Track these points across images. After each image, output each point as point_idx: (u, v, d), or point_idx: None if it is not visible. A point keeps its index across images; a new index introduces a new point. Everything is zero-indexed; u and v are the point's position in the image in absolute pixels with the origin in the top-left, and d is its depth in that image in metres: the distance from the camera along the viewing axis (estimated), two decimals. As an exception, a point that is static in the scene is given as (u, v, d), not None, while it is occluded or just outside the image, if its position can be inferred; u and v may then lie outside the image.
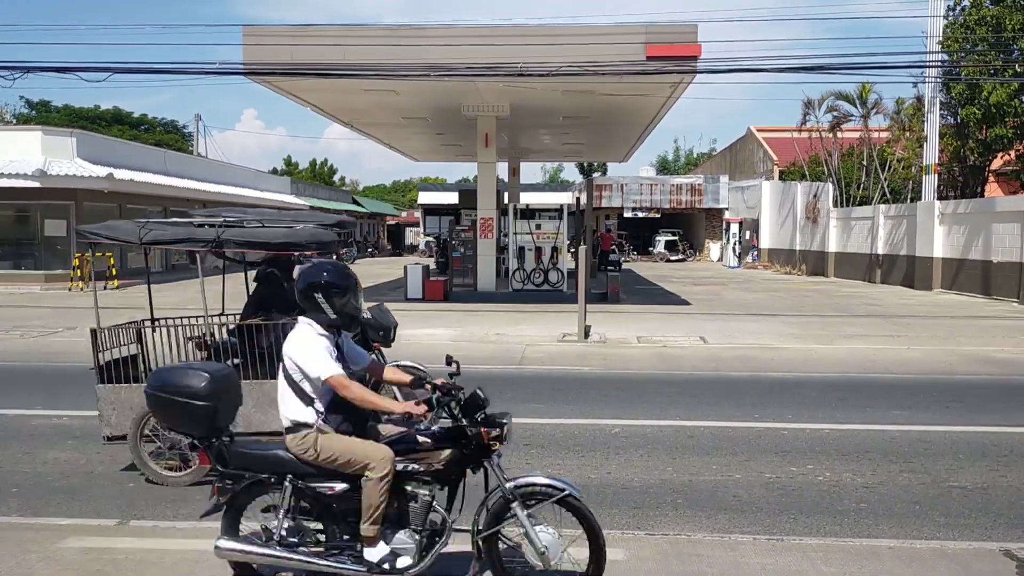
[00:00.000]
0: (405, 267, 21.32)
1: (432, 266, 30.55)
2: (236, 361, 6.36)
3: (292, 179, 53.80)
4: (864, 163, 33.43)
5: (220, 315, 7.27)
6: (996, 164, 28.68)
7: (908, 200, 29.39)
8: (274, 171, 68.40)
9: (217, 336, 6.87)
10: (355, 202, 63.81)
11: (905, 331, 15.40)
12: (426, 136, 28.53)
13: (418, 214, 64.00)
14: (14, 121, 54.05)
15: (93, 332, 6.33)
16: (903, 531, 5.30)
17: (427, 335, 14.41)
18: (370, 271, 35.43)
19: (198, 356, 6.64)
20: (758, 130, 47.71)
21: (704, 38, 30.81)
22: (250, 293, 7.27)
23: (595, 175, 62.52)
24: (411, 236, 70.32)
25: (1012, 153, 26.91)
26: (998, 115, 24.12)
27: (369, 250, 57.28)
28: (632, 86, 17.94)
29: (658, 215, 52.22)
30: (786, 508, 5.68)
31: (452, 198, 39.63)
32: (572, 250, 22.25)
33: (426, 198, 60.48)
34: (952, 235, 24.45)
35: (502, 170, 35.11)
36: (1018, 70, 23.49)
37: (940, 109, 25.55)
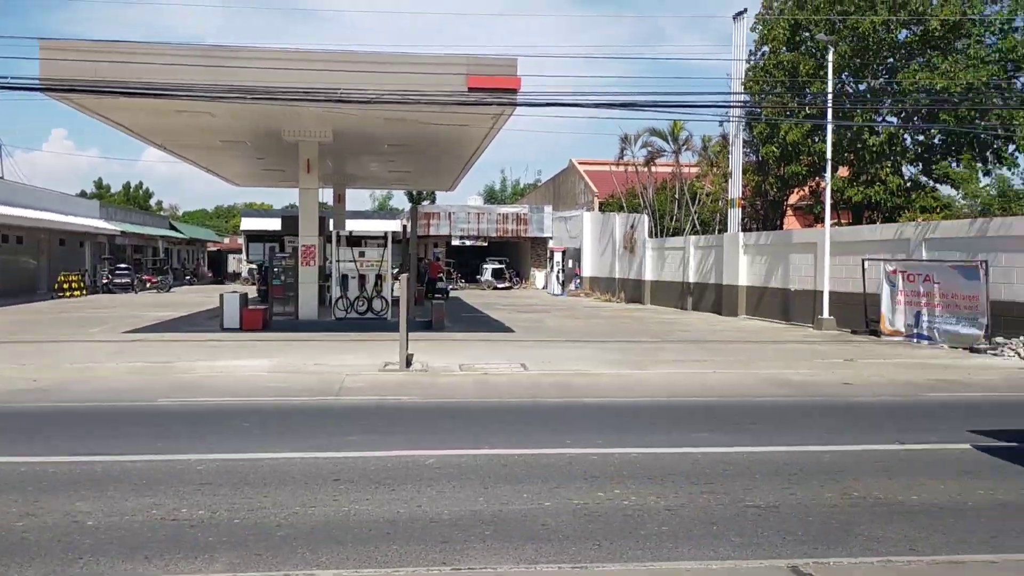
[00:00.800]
0: (221, 295, 20.36)
1: (254, 294, 29.45)
2: None
3: (102, 203, 50.45)
4: (676, 196, 35.38)
5: None
6: (793, 199, 31.15)
7: (716, 231, 31.30)
8: (83, 194, 64.08)
9: None
10: (173, 227, 60.74)
11: (712, 356, 16.26)
12: (246, 160, 27.54)
13: (241, 240, 61.62)
14: None
15: None
16: (701, 552, 5.46)
17: (241, 367, 13.77)
18: (186, 300, 33.68)
19: None
20: (579, 163, 49.51)
21: (526, 73, 31.63)
22: None
23: (423, 203, 62.65)
24: (234, 263, 67.61)
25: (806, 189, 29.30)
26: (794, 153, 26.20)
27: (187, 277, 54.55)
28: (455, 116, 18.10)
29: (485, 243, 52.95)
30: (592, 534, 5.73)
31: (277, 224, 38.44)
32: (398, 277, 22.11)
33: (249, 224, 58.39)
34: (755, 264, 26.19)
35: (327, 196, 34.45)
36: (810, 112, 25.62)
37: (743, 147, 27.44)
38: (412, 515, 6.08)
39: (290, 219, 26.77)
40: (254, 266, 48.71)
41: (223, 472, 7.25)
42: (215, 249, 72.14)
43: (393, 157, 26.48)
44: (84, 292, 37.13)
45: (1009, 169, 22.27)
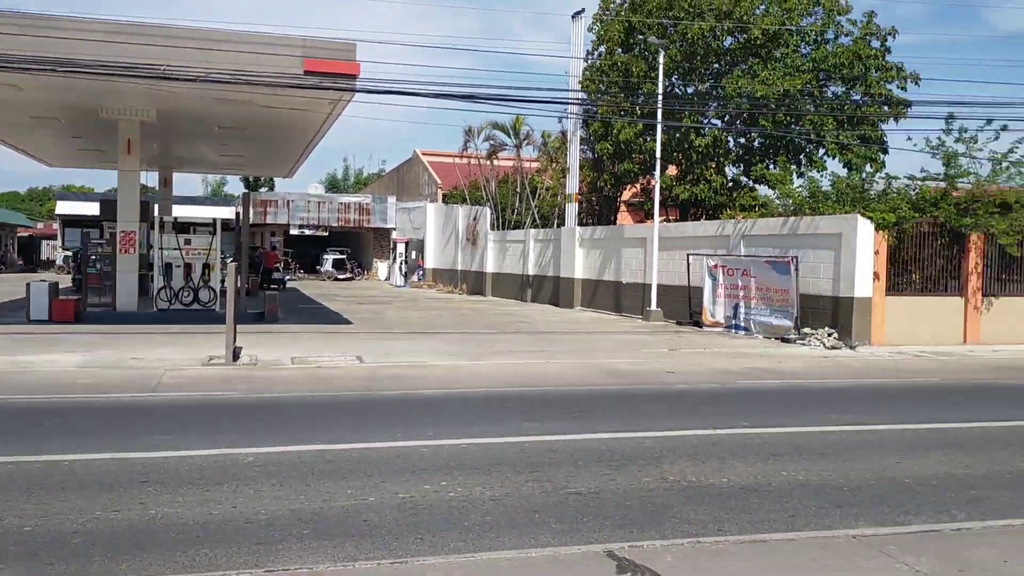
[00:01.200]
0: (28, 284, 18.80)
1: (68, 283, 27.51)
2: None
3: None
4: (518, 190, 35.85)
5: None
6: (626, 195, 32.23)
7: (555, 225, 31.96)
8: None
9: None
10: (-24, 210, 55.71)
11: (548, 346, 16.57)
12: (60, 139, 25.50)
13: (57, 226, 57.29)
14: None
15: None
16: (522, 540, 5.48)
17: (47, 362, 12.75)
18: (-10, 289, 30.95)
19: None
20: (424, 154, 49.23)
21: (367, 59, 31.09)
22: None
23: (261, 190, 60.47)
24: (48, 250, 62.78)
25: (638, 186, 30.39)
26: (627, 151, 27.09)
27: (-7, 265, 50.19)
28: (290, 99, 17.44)
29: (327, 233, 51.74)
30: (415, 528, 5.65)
31: (96, 209, 35.94)
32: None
33: (65, 208, 54.35)
34: (590, 258, 26.94)
35: (154, 180, 32.59)
36: (642, 112, 26.56)
37: (580, 144, 28.11)
38: (226, 516, 5.79)
39: (109, 203, 25.00)
40: (70, 253, 45.41)
41: (15, 476, 6.66)
42: (27, 235, 66.78)
43: (226, 140, 25.29)
44: None
45: (819, 172, 23.93)
